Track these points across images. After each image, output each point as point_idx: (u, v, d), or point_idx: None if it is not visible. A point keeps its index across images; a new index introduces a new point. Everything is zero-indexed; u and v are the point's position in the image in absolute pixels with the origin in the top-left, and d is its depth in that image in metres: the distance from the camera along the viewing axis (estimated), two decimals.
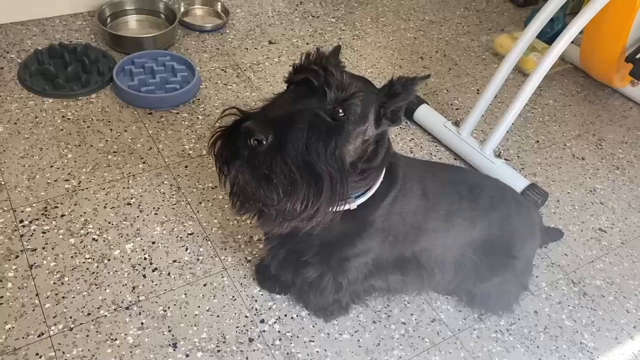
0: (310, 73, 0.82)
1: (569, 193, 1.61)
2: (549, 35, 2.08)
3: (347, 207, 0.93)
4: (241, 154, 0.77)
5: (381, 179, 0.95)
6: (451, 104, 1.85)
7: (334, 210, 0.83)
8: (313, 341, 1.15)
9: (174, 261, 1.24)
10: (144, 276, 1.20)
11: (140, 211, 1.33)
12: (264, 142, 0.74)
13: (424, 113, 1.71)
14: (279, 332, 1.15)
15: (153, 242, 1.27)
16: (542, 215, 1.48)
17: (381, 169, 0.94)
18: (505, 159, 1.60)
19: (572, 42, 1.46)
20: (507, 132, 1.58)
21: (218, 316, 1.16)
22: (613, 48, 1.79)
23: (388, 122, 0.88)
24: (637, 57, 1.74)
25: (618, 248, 1.47)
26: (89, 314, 1.12)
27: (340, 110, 0.80)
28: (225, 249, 1.28)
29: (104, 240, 1.25)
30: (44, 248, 1.22)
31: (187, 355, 1.09)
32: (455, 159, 1.65)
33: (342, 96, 0.80)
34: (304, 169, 0.76)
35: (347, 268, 1.03)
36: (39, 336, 1.07)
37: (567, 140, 1.80)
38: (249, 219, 0.90)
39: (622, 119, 1.94)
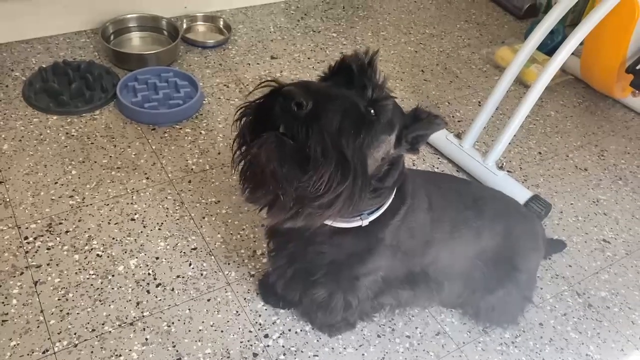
0: (354, 61, 0.80)
1: (572, 204, 1.61)
2: (549, 47, 2.09)
3: (359, 223, 0.93)
4: (269, 126, 0.73)
5: (392, 196, 0.95)
6: (453, 116, 1.86)
7: (349, 209, 0.78)
8: (317, 356, 1.15)
9: (178, 276, 1.24)
10: (148, 292, 1.20)
11: (144, 227, 1.33)
12: (304, 108, 0.70)
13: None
14: (283, 346, 1.15)
15: (157, 258, 1.27)
16: (545, 227, 1.48)
17: (393, 189, 0.94)
18: (507, 171, 1.60)
19: (572, 54, 1.47)
20: (509, 143, 1.58)
21: (222, 331, 1.16)
22: (613, 59, 1.80)
23: (407, 147, 0.88)
24: (638, 68, 1.74)
25: (622, 259, 1.47)
26: (93, 330, 1.12)
27: (372, 110, 0.78)
28: (229, 264, 1.29)
29: (108, 256, 1.26)
30: (48, 264, 1.22)
31: None
32: (457, 171, 1.66)
33: (377, 95, 0.79)
34: (336, 147, 0.72)
35: (357, 287, 1.02)
36: (43, 353, 1.07)
37: (569, 151, 1.80)
38: (259, 209, 0.83)
39: (624, 129, 1.94)
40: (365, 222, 0.93)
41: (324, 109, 0.71)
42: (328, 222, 0.92)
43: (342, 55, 0.83)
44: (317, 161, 0.71)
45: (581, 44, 1.48)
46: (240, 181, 0.83)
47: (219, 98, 1.75)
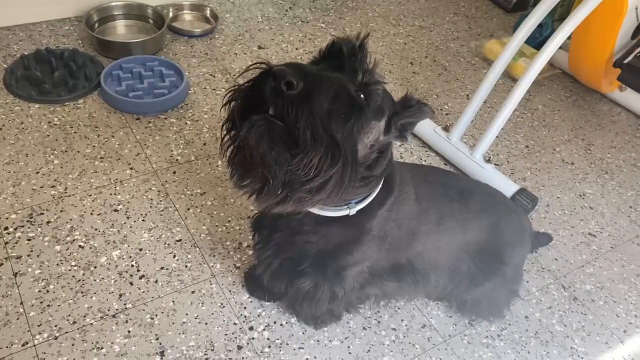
0: (345, 43, 0.78)
1: (558, 198, 1.61)
2: (537, 41, 2.09)
3: (346, 212, 0.92)
4: (259, 110, 0.71)
5: (380, 186, 0.94)
6: (441, 109, 1.85)
7: (338, 195, 0.77)
8: (303, 348, 1.14)
9: (162, 268, 1.23)
10: (131, 284, 1.19)
11: (128, 218, 1.31)
12: (295, 87, 0.68)
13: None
14: (268, 339, 1.14)
15: (140, 249, 1.25)
16: (532, 220, 1.48)
17: (381, 178, 0.93)
18: (495, 164, 1.60)
19: (560, 48, 1.47)
20: (497, 137, 1.58)
21: (206, 324, 1.14)
22: (601, 53, 1.80)
23: (396, 134, 0.87)
24: (625, 62, 1.75)
25: (608, 252, 1.48)
26: (74, 323, 1.10)
27: (362, 95, 0.77)
28: (214, 256, 1.27)
29: (90, 248, 1.24)
30: (29, 255, 1.20)
31: None
32: (445, 164, 1.65)
33: (367, 79, 0.77)
34: (326, 130, 0.71)
35: (343, 277, 1.01)
36: (23, 345, 1.05)
37: (556, 145, 1.80)
38: (247, 195, 0.81)
39: (610, 123, 1.95)
40: (353, 211, 0.92)
41: (315, 91, 0.70)
42: (315, 211, 0.91)
43: (334, 38, 0.81)
44: (306, 144, 0.69)
45: (569, 38, 1.48)
46: (229, 166, 0.81)
47: (205, 88, 1.73)
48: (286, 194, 0.76)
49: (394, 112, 0.85)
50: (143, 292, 1.18)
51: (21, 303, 1.12)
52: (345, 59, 0.78)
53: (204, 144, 1.53)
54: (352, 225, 0.95)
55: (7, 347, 1.04)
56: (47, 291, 1.14)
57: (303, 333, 1.16)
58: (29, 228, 1.25)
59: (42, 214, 1.28)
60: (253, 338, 1.14)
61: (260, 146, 0.72)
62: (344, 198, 0.85)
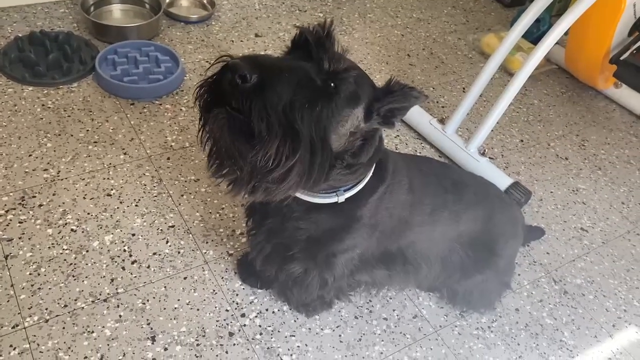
0: (311, 34, 0.78)
1: (552, 192, 1.62)
2: (535, 36, 2.09)
3: (334, 199, 0.92)
4: (222, 100, 0.73)
5: (370, 174, 0.94)
6: (437, 102, 1.85)
7: (309, 183, 0.78)
8: (294, 336, 1.14)
9: (154, 254, 1.22)
10: (123, 268, 1.18)
11: (121, 202, 1.31)
12: (248, 80, 0.69)
13: (410, 110, 1.70)
14: (259, 326, 1.14)
15: (133, 234, 1.25)
16: (525, 214, 1.49)
17: (370, 165, 0.93)
18: (489, 158, 1.60)
19: (557, 43, 1.47)
20: (492, 130, 1.58)
21: (198, 310, 1.14)
22: (598, 49, 1.80)
23: (379, 120, 0.85)
24: (621, 58, 1.75)
25: (599, 247, 1.49)
26: (65, 306, 1.10)
27: (332, 84, 0.77)
28: (207, 242, 1.27)
29: (82, 231, 1.23)
30: (20, 238, 1.19)
31: (165, 349, 1.07)
32: (440, 156, 1.65)
33: (335, 67, 0.77)
34: (283, 120, 0.71)
35: (333, 264, 1.01)
36: (13, 327, 1.05)
37: (551, 140, 1.81)
38: (224, 185, 0.83)
39: (605, 120, 1.95)
40: (341, 199, 0.92)
41: (270, 83, 0.71)
42: (304, 197, 0.91)
43: (300, 28, 0.81)
44: (261, 136, 0.71)
45: (566, 33, 1.48)
46: (207, 157, 0.83)
47: (201, 74, 1.72)
48: (254, 184, 0.78)
49: (375, 98, 0.84)
50: (135, 277, 1.17)
51: (12, 285, 1.11)
52: (312, 49, 0.78)
53: (199, 130, 1.52)
54: (342, 213, 0.95)
55: None
56: (38, 274, 1.14)
57: (295, 321, 1.17)
58: (20, 211, 1.24)
59: (34, 197, 1.27)
60: (245, 325, 1.14)
61: (222, 139, 0.75)
62: (326, 186, 0.84)
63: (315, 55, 0.77)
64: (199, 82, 0.78)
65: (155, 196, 1.34)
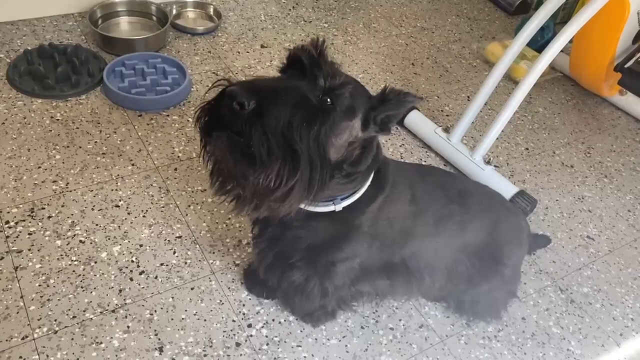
0: (303, 53, 0.80)
1: (557, 200, 1.62)
2: (539, 44, 2.10)
3: (332, 208, 0.93)
4: (222, 123, 0.75)
5: (368, 183, 0.95)
6: (442, 111, 1.86)
7: (309, 198, 0.80)
8: (300, 346, 1.15)
9: (162, 264, 1.23)
10: (131, 279, 1.19)
11: (128, 213, 1.32)
12: (246, 107, 0.72)
13: (414, 119, 1.71)
14: (266, 336, 1.15)
15: (141, 245, 1.26)
16: (530, 223, 1.49)
17: (368, 173, 0.94)
18: (494, 166, 1.61)
19: (561, 51, 1.47)
20: (497, 139, 1.58)
21: (205, 320, 1.15)
22: (602, 57, 1.80)
23: (376, 129, 0.87)
24: (626, 66, 1.76)
25: (605, 255, 1.48)
26: (74, 317, 1.11)
27: (329, 99, 0.79)
28: (214, 253, 1.28)
29: (91, 243, 1.24)
30: (29, 250, 1.20)
31: None
32: (445, 165, 1.66)
33: (331, 84, 0.79)
34: (282, 143, 0.74)
35: (333, 272, 1.02)
36: (22, 339, 1.06)
37: (556, 147, 1.81)
38: (227, 202, 0.86)
39: (610, 127, 1.95)
40: (339, 208, 0.93)
41: (268, 107, 0.73)
42: (303, 206, 0.92)
43: (293, 47, 0.84)
44: (262, 159, 0.73)
45: (571, 41, 1.49)
46: (210, 176, 0.86)
47: (207, 86, 1.73)
48: (256, 202, 0.81)
49: (371, 107, 0.86)
50: (143, 287, 1.18)
51: (21, 297, 1.12)
52: (306, 68, 0.80)
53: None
54: (340, 221, 0.96)
55: (6, 340, 1.05)
56: (48, 285, 1.15)
57: (301, 331, 1.17)
58: (30, 222, 1.26)
59: (43, 208, 1.29)
60: (251, 335, 1.15)
61: (224, 161, 0.78)
62: (322, 196, 0.86)
63: (310, 74, 0.80)
64: (198, 106, 0.81)
65: (163, 207, 1.35)
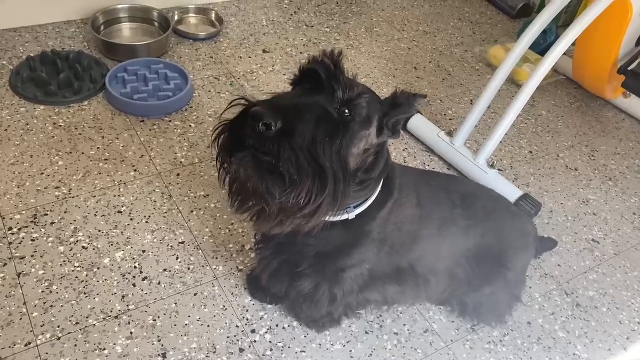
0: (320, 66, 0.80)
1: (562, 204, 1.61)
2: (542, 47, 2.10)
3: (345, 217, 0.92)
4: (246, 144, 0.74)
5: (379, 189, 0.94)
6: (445, 114, 1.85)
7: (334, 212, 0.80)
8: (305, 352, 1.14)
9: (165, 270, 1.23)
10: (134, 285, 1.19)
11: (131, 219, 1.32)
12: (273, 128, 0.71)
13: (417, 123, 1.71)
14: (270, 342, 1.14)
15: (143, 251, 1.26)
16: (535, 226, 1.48)
17: (380, 180, 0.93)
18: (498, 169, 1.60)
19: (565, 54, 1.47)
20: (501, 142, 1.58)
21: (209, 326, 1.15)
22: (605, 60, 1.80)
23: (389, 134, 0.88)
24: (630, 69, 1.75)
25: (611, 259, 1.47)
26: (77, 323, 1.10)
27: (347, 111, 0.79)
28: (217, 258, 1.27)
29: (93, 249, 1.24)
30: (32, 256, 1.20)
31: None
32: (448, 168, 1.65)
33: (349, 95, 0.79)
34: (310, 160, 0.73)
35: (343, 279, 1.01)
36: (26, 346, 1.05)
37: (560, 151, 1.80)
38: (248, 219, 0.85)
39: (614, 130, 1.94)
40: (352, 215, 0.92)
41: (294, 126, 0.73)
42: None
43: (308, 59, 0.84)
44: (292, 179, 0.73)
45: (573, 44, 1.48)
46: (228, 195, 0.85)
47: (210, 91, 1.73)
48: (281, 219, 0.80)
49: (384, 113, 0.86)
50: (146, 293, 1.18)
51: (24, 303, 1.12)
52: (323, 80, 0.80)
53: (208, 147, 1.54)
54: (351, 228, 0.95)
55: (9, 347, 1.05)
56: (51, 292, 1.14)
57: (305, 336, 1.16)
58: (33, 229, 1.25)
59: (46, 215, 1.29)
60: (255, 341, 1.14)
61: (250, 180, 0.76)
62: (340, 209, 0.86)
63: (328, 86, 0.79)
64: (217, 125, 0.80)
65: (166, 212, 1.35)
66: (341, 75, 0.80)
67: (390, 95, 0.88)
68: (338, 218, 0.92)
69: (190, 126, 1.59)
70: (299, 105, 0.76)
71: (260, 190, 0.76)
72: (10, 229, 1.24)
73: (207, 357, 1.09)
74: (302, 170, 0.73)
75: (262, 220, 0.83)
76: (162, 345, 1.10)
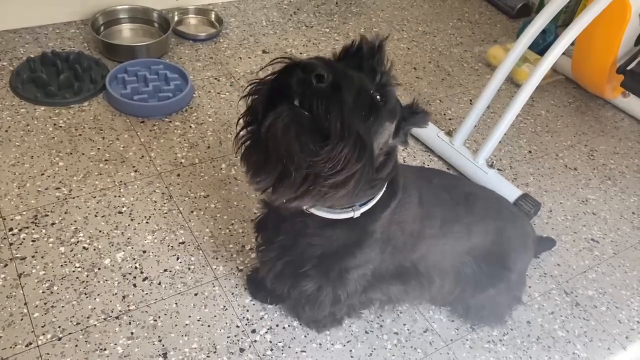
0: (366, 44, 0.79)
1: (561, 203, 1.61)
2: (541, 47, 2.10)
3: (350, 214, 0.92)
4: (284, 99, 0.70)
5: (384, 189, 0.95)
6: (444, 114, 1.85)
7: (357, 190, 0.77)
8: (305, 351, 1.14)
9: (165, 270, 1.23)
10: (135, 285, 1.19)
11: (132, 220, 1.32)
12: (324, 81, 0.67)
13: None
14: (270, 342, 1.14)
15: (144, 251, 1.26)
16: (534, 226, 1.48)
17: (386, 180, 0.93)
18: (497, 169, 1.60)
19: (563, 54, 1.47)
20: (500, 142, 1.58)
21: (209, 326, 1.15)
22: (604, 59, 1.80)
23: (402, 139, 0.88)
24: (628, 68, 1.75)
25: (610, 258, 1.48)
26: (78, 324, 1.11)
27: (379, 96, 0.77)
28: (217, 258, 1.28)
29: (94, 249, 1.24)
30: (33, 257, 1.20)
31: None
32: (448, 168, 1.65)
33: (385, 80, 0.78)
34: (353, 124, 0.70)
35: (346, 280, 1.01)
36: (26, 346, 1.06)
37: (559, 150, 1.81)
38: (265, 186, 0.78)
39: (613, 129, 1.95)
40: (357, 214, 0.92)
41: (342, 85, 0.69)
42: (319, 213, 0.91)
43: (354, 38, 0.82)
44: (336, 136, 0.69)
45: (572, 44, 1.49)
46: (245, 160, 0.79)
47: (210, 92, 1.74)
48: (307, 187, 0.75)
49: (402, 116, 0.86)
50: (146, 294, 1.18)
51: (25, 304, 1.12)
52: (363, 60, 0.78)
53: (208, 147, 1.54)
54: (355, 228, 0.95)
55: (10, 347, 1.05)
56: (51, 292, 1.15)
57: (305, 336, 1.17)
58: (33, 229, 1.26)
59: (46, 215, 1.29)
60: (255, 341, 1.14)
61: (287, 135, 0.71)
62: (355, 198, 0.85)
63: (367, 67, 0.78)
64: (251, 80, 0.76)
65: (166, 213, 1.35)
66: (382, 58, 0.79)
67: (410, 103, 0.88)
68: (343, 216, 0.92)
69: (190, 126, 1.60)
70: (346, 70, 0.73)
71: (295, 148, 0.71)
72: (11, 229, 1.25)
73: (207, 357, 1.10)
74: (347, 129, 0.69)
75: (283, 188, 0.76)
76: (163, 345, 1.10)
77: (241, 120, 0.79)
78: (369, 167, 0.75)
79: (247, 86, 0.77)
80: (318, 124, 0.69)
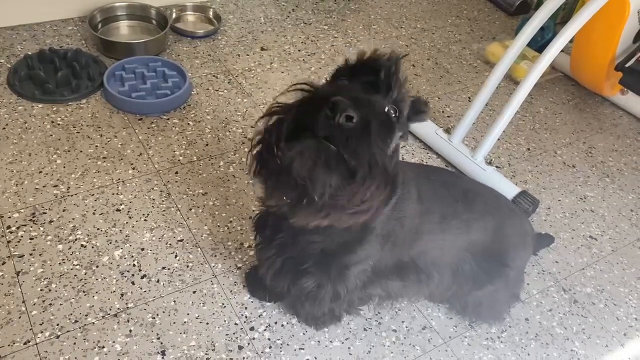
0: (384, 64, 0.80)
1: (559, 200, 1.61)
2: (539, 44, 2.10)
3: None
4: (315, 130, 0.71)
5: None
6: (442, 112, 1.85)
7: (380, 211, 0.80)
8: (303, 349, 1.14)
9: (163, 268, 1.23)
10: (133, 283, 1.19)
11: (130, 217, 1.32)
12: (353, 120, 0.69)
13: None
14: (269, 339, 1.14)
15: (142, 249, 1.26)
16: (533, 223, 1.48)
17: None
18: (496, 166, 1.61)
19: (562, 51, 1.47)
20: (498, 139, 1.58)
21: (207, 323, 1.15)
22: (603, 57, 1.80)
23: (404, 137, 0.89)
24: (627, 65, 1.75)
25: (608, 255, 1.48)
26: (76, 321, 1.10)
27: (395, 111, 0.79)
28: (215, 256, 1.27)
29: (92, 247, 1.24)
30: (31, 254, 1.20)
31: None
32: (446, 165, 1.65)
33: (401, 96, 0.80)
34: (378, 162, 0.73)
35: (346, 276, 1.01)
36: (25, 344, 1.06)
37: (557, 147, 1.81)
38: (279, 202, 0.81)
39: (612, 127, 1.95)
40: None
41: (371, 123, 0.72)
42: None
43: (366, 52, 0.83)
44: (363, 176, 0.72)
45: (571, 41, 1.48)
46: (263, 179, 0.81)
47: (208, 89, 1.73)
48: (327, 213, 0.77)
49: (408, 117, 0.87)
50: (144, 291, 1.18)
51: (23, 302, 1.12)
52: (380, 78, 0.79)
53: (206, 145, 1.54)
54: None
55: (9, 345, 1.05)
56: (49, 290, 1.15)
57: (304, 334, 1.17)
58: (31, 227, 1.25)
59: (44, 213, 1.29)
60: (254, 338, 1.14)
61: (314, 170, 0.72)
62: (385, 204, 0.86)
63: (383, 84, 0.79)
64: (273, 104, 0.77)
65: (164, 210, 1.35)
66: (399, 76, 0.80)
67: (411, 101, 0.88)
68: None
69: (189, 124, 1.59)
70: (373, 103, 0.74)
71: (320, 182, 0.72)
72: (9, 227, 1.24)
73: (206, 354, 1.10)
74: (374, 170, 0.72)
75: (302, 208, 0.77)
76: (161, 343, 1.10)
77: (257, 138, 0.79)
78: (389, 192, 0.77)
79: (269, 108, 0.78)
80: (344, 160, 0.71)
